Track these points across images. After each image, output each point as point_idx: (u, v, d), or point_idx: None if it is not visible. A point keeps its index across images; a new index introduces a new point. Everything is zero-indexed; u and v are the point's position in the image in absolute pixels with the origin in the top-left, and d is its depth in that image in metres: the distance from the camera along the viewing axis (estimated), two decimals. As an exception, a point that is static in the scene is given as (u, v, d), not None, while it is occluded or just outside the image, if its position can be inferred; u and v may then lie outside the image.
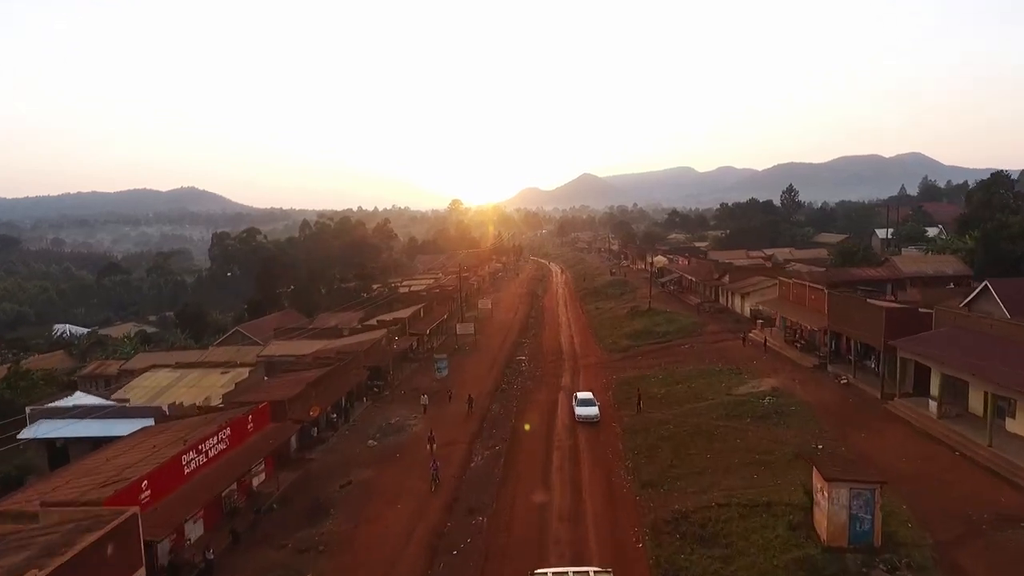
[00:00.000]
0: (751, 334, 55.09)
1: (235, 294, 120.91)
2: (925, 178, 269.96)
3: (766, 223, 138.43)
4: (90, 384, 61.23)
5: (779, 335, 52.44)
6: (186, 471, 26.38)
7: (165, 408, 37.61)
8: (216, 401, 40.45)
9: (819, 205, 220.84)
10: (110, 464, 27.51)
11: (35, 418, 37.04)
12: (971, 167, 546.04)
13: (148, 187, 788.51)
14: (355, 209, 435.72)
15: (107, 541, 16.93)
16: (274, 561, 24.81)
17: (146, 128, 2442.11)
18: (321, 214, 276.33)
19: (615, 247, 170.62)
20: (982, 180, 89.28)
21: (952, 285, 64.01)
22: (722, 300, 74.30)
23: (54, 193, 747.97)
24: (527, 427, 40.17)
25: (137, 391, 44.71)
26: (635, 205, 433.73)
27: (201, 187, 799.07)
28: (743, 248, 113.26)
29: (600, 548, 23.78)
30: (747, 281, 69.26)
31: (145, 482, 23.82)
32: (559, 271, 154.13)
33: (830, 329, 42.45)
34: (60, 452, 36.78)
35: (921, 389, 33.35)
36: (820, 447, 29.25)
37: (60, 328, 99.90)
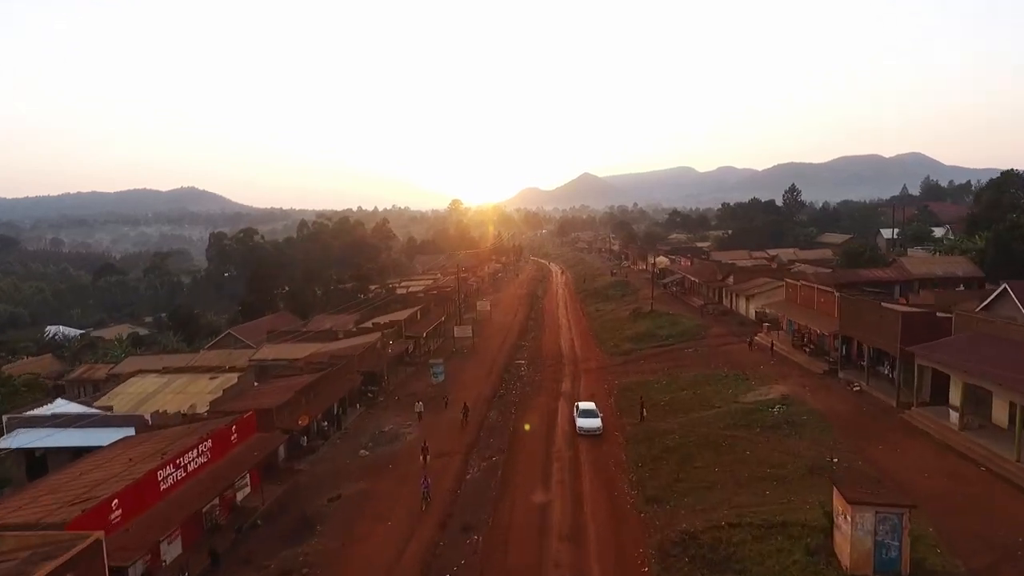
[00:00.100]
0: (757, 337, 53.44)
1: (232, 295, 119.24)
2: (927, 178, 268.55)
3: (768, 223, 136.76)
4: (78, 388, 59.67)
5: (786, 339, 50.82)
6: (162, 487, 24.81)
7: (147, 417, 35.99)
8: (203, 408, 38.80)
9: (820, 205, 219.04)
10: (82, 480, 25.90)
11: (12, 427, 35.43)
12: (972, 167, 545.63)
13: (148, 187, 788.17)
14: (355, 209, 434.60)
15: (65, 571, 15.39)
16: (254, 585, 23.27)
17: (146, 128, 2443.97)
18: (320, 214, 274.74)
19: (616, 247, 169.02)
20: (992, 179, 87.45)
21: (962, 287, 62.46)
22: (726, 302, 72.68)
23: (54, 193, 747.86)
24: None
25: (122, 398, 43.03)
26: (635, 205, 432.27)
27: (201, 187, 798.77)
28: (746, 248, 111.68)
29: (603, 573, 22.18)
30: (752, 282, 67.68)
31: (115, 501, 22.25)
32: (559, 272, 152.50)
33: (841, 334, 40.80)
34: (39, 462, 35.22)
35: (939, 398, 31.73)
36: (835, 460, 27.60)
37: (52, 330, 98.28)
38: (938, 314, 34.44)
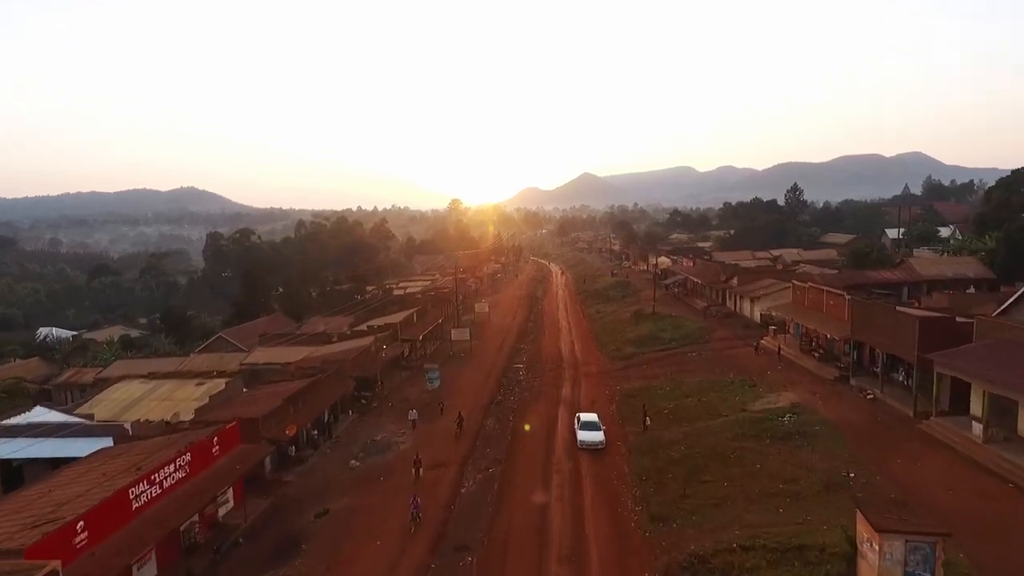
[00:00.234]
0: (763, 341, 51.83)
1: (228, 296, 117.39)
2: (929, 177, 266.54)
3: (771, 223, 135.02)
4: (64, 393, 58.11)
5: (794, 343, 49.18)
6: (134, 506, 23.18)
7: (128, 426, 34.39)
8: (187, 416, 37.21)
9: (820, 205, 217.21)
10: (50, 497, 24.27)
11: (-12, 437, 33.82)
12: (972, 166, 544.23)
13: (148, 187, 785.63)
14: (354, 209, 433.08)
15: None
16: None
17: (146, 128, 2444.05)
18: (318, 214, 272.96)
19: (616, 247, 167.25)
20: (1001, 178, 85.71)
21: (973, 288, 60.87)
22: (729, 304, 71.02)
23: (54, 193, 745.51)
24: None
25: (104, 405, 41.46)
26: (635, 205, 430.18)
27: (201, 187, 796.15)
28: (748, 249, 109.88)
29: (606, 601, 20.61)
30: (757, 284, 66.02)
31: (81, 523, 20.65)
32: (559, 272, 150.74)
33: (853, 338, 39.16)
34: (15, 473, 33.66)
35: (958, 407, 30.15)
36: (852, 475, 26.04)
37: (44, 332, 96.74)
38: (958, 319, 32.77)
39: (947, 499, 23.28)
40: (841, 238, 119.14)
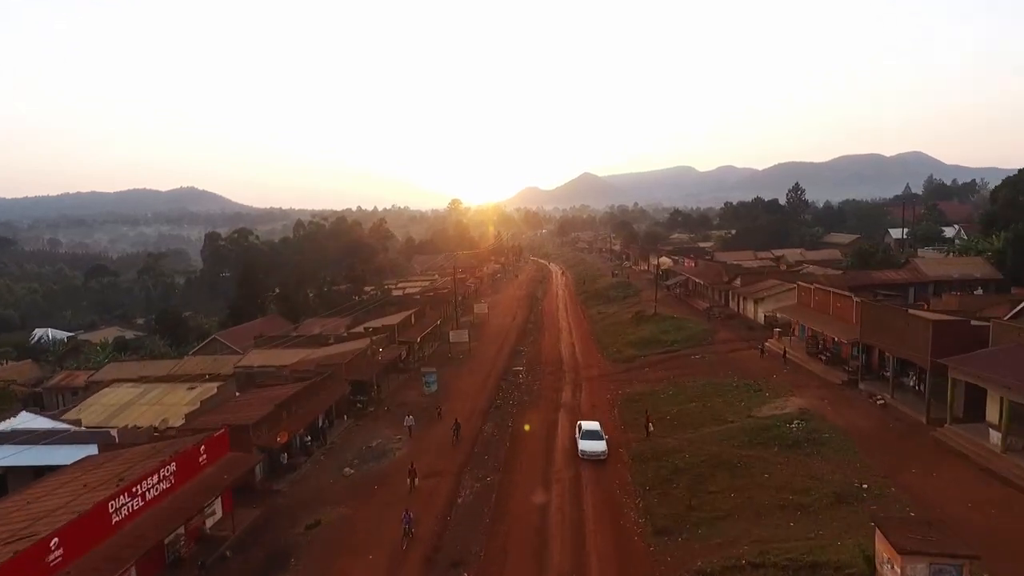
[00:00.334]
0: (768, 343, 50.74)
1: (226, 297, 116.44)
2: (930, 177, 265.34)
3: (773, 222, 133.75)
4: (56, 396, 57.09)
5: (800, 345, 48.09)
6: (114, 520, 22.11)
7: (114, 433, 33.32)
8: (178, 421, 36.22)
9: (821, 204, 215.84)
10: (28, 510, 23.24)
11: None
12: (972, 166, 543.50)
13: (148, 187, 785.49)
14: (354, 209, 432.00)
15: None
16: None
17: (146, 128, 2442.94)
18: (318, 214, 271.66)
19: (616, 247, 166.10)
20: (1008, 177, 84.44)
21: (980, 289, 59.76)
22: (732, 305, 69.95)
23: (53, 193, 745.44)
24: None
25: (93, 409, 40.41)
26: (636, 205, 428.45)
27: (201, 187, 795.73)
28: (750, 248, 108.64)
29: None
30: (760, 285, 64.94)
31: (55, 540, 19.58)
32: (559, 272, 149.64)
33: (862, 341, 38.06)
34: (-1, 481, 32.62)
35: (973, 414, 29.10)
36: (865, 487, 24.99)
37: (39, 333, 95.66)
38: (973, 323, 31.68)
39: (966, 513, 22.22)
40: (844, 238, 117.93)
